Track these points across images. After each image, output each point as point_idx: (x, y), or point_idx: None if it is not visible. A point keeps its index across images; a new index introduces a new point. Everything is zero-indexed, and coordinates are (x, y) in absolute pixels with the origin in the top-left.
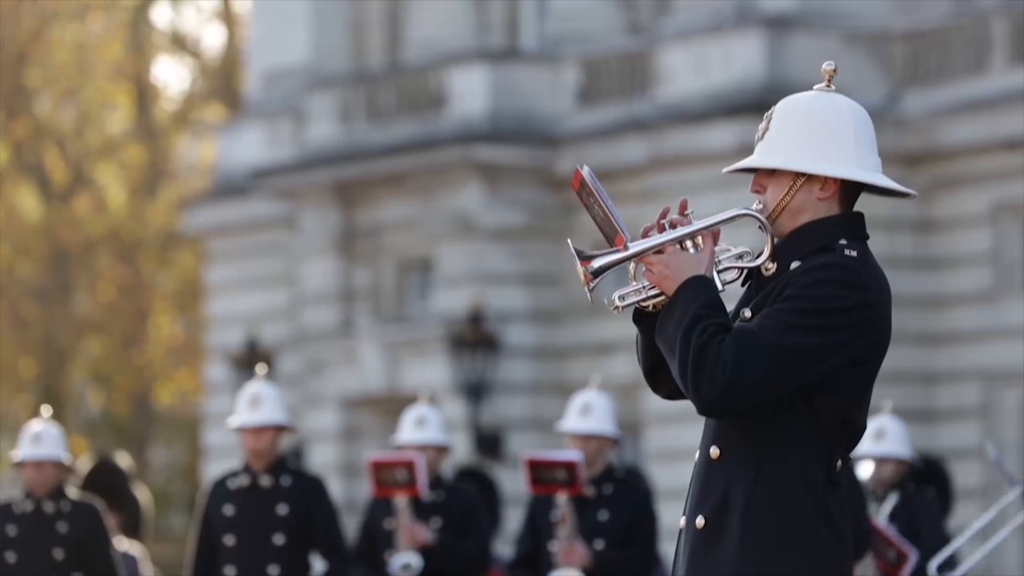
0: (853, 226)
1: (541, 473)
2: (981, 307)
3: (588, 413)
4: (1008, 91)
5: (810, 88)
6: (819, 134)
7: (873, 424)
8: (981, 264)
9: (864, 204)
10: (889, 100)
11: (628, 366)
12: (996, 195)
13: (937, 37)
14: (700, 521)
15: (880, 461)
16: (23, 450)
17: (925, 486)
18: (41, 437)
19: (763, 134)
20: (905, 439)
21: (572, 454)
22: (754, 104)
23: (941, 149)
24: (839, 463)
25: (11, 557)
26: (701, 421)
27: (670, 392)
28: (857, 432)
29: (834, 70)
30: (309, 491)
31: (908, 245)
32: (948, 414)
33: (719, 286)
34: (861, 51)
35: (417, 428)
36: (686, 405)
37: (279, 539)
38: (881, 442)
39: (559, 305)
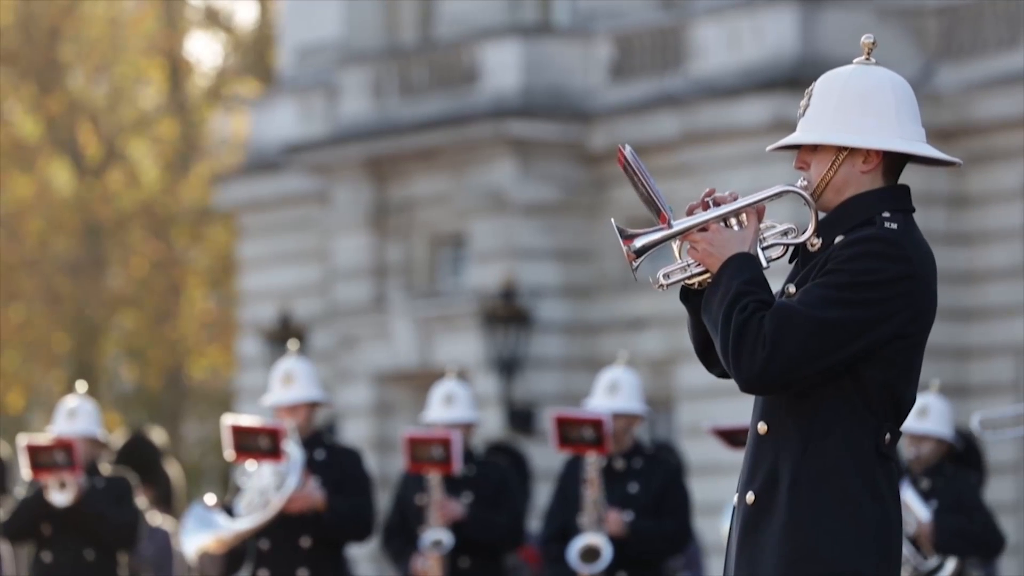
0: (897, 199)
1: (569, 431)
2: (1014, 282)
3: (615, 391)
4: None
5: (845, 62)
6: (859, 107)
7: (917, 401)
8: (1014, 239)
9: (900, 178)
10: (922, 75)
11: (660, 342)
12: None
13: (970, 12)
14: (750, 497)
15: (920, 439)
16: (59, 426)
17: (966, 470)
18: (76, 413)
19: (804, 110)
20: (948, 419)
21: (600, 413)
22: (787, 79)
23: (974, 124)
24: (887, 436)
25: (48, 547)
26: (733, 397)
27: (724, 371)
28: (906, 405)
29: (873, 43)
30: (343, 462)
31: (941, 220)
32: (981, 389)
33: (764, 263)
34: (894, 26)
35: (446, 406)
36: (718, 381)
37: (306, 542)
38: (923, 419)
39: (591, 280)
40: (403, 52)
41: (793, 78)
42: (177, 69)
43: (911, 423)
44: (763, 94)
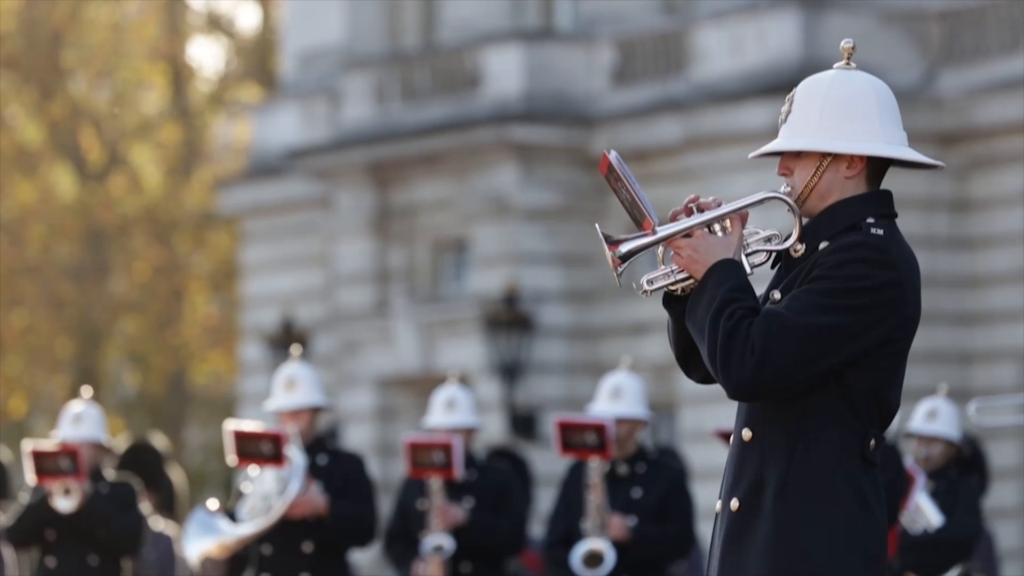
0: (881, 204)
1: (571, 436)
2: (1017, 286)
3: (618, 396)
4: None
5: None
6: (842, 113)
7: (926, 404)
8: (1017, 243)
9: (899, 184)
10: (924, 79)
11: (662, 346)
12: None
13: (972, 16)
14: (735, 504)
15: (930, 440)
16: (63, 431)
17: (970, 473)
18: (82, 418)
19: (786, 116)
20: (956, 422)
21: (603, 418)
22: (789, 84)
23: (977, 128)
24: (872, 442)
25: (52, 552)
26: (735, 402)
27: (704, 376)
28: (890, 411)
29: (852, 47)
30: (346, 467)
31: (944, 225)
32: (984, 393)
33: (748, 269)
34: (896, 30)
35: (447, 411)
36: (720, 387)
37: (308, 547)
38: (933, 422)
39: (593, 285)
40: (405, 57)
41: (795, 83)
42: (179, 74)
43: (921, 425)
44: (765, 99)
